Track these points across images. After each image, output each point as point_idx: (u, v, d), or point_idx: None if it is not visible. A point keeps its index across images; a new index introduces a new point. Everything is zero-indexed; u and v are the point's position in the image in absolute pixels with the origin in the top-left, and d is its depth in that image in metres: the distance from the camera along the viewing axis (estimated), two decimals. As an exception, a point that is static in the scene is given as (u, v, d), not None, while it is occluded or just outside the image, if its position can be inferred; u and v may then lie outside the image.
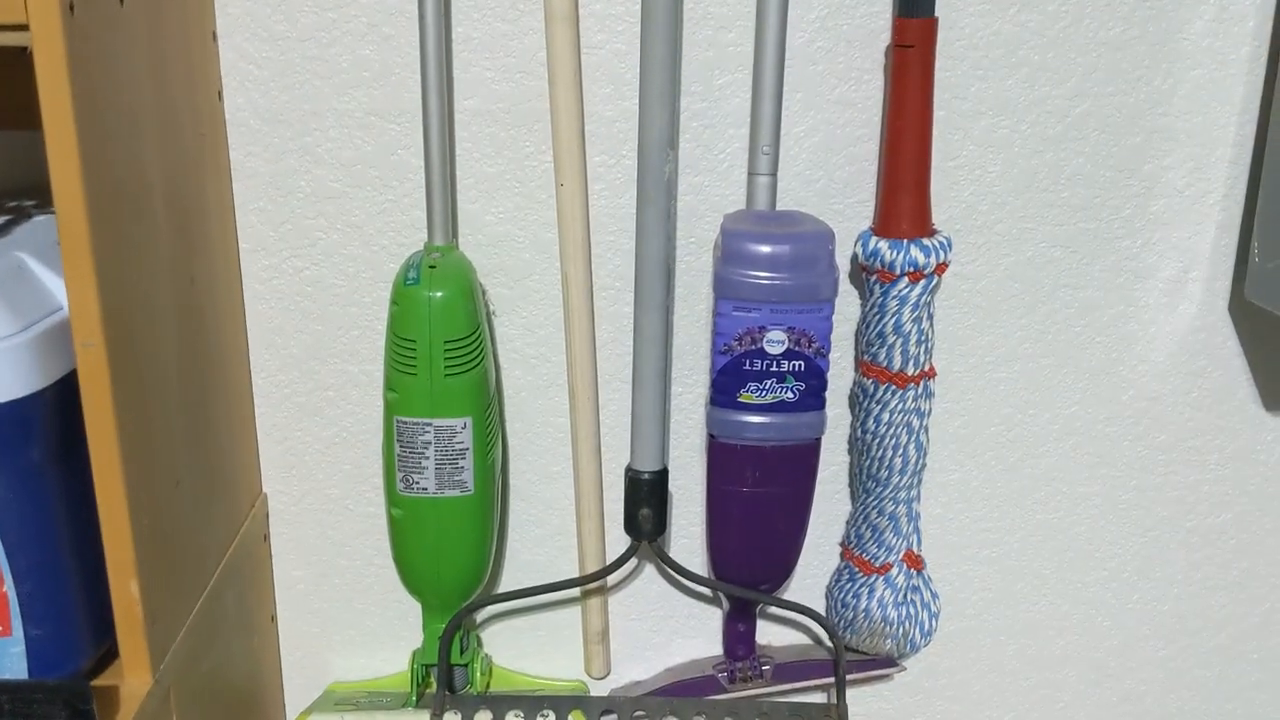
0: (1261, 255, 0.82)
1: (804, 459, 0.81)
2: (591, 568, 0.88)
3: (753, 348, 0.77)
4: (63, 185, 0.57)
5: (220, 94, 0.80)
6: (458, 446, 0.78)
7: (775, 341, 0.77)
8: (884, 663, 0.91)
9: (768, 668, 0.90)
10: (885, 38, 0.80)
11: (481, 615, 0.92)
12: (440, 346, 0.76)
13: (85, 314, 0.59)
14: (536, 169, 0.82)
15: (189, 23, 0.74)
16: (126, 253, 0.63)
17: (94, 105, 0.59)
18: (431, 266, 0.77)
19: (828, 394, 0.81)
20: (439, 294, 0.75)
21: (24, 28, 0.55)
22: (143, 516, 0.65)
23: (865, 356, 0.83)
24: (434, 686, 0.85)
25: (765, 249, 0.76)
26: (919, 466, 0.84)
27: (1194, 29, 0.82)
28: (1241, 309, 0.88)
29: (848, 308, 0.86)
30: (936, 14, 0.77)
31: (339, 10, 0.79)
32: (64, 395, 0.62)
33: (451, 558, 0.81)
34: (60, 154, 0.57)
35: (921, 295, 0.80)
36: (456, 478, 0.78)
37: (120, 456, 0.61)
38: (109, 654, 0.68)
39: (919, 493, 0.86)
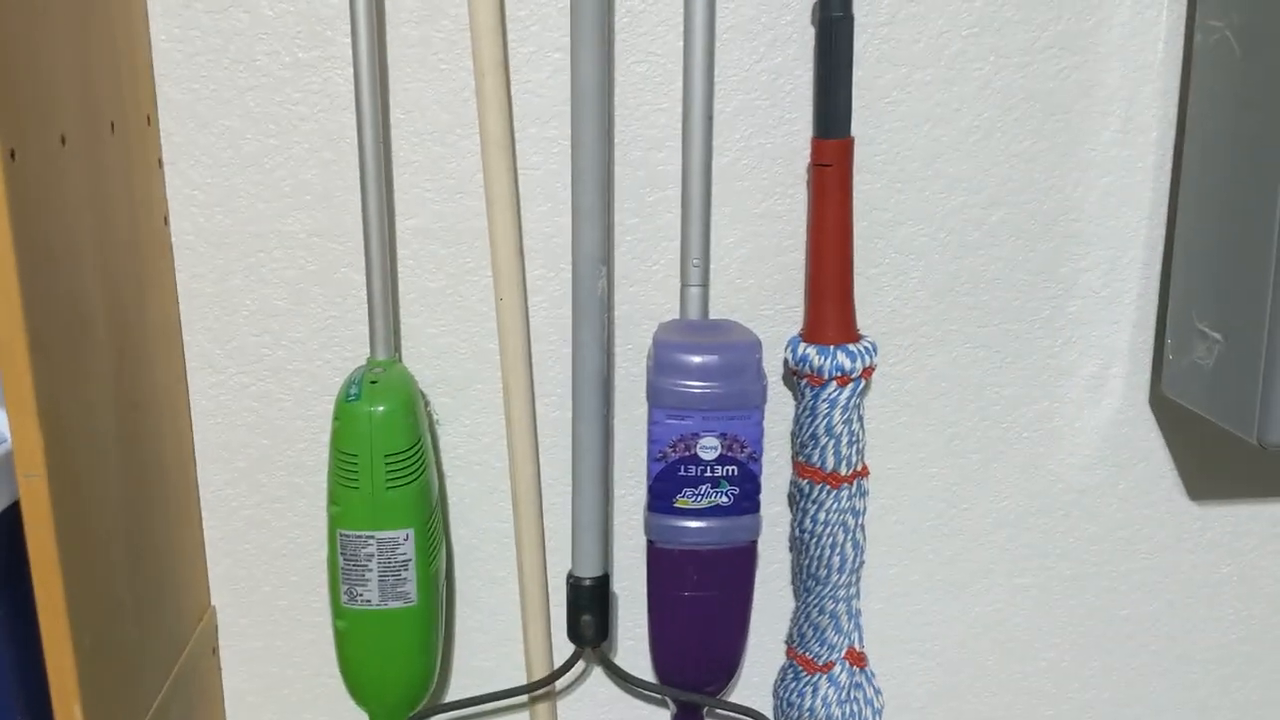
0: (1174, 353, 0.85)
1: (741, 562, 0.83)
2: (538, 674, 0.89)
3: (686, 454, 0.80)
4: (4, 323, 0.59)
5: (166, 219, 0.83)
6: (400, 558, 0.79)
7: (708, 448, 0.80)
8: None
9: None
10: (806, 154, 0.84)
11: (431, 722, 0.93)
12: (381, 460, 0.77)
13: (28, 446, 0.60)
14: (477, 283, 0.85)
15: (133, 153, 0.77)
16: (69, 383, 0.65)
17: (35, 244, 0.61)
18: (373, 382, 0.79)
19: (768, 493, 0.83)
20: (379, 409, 0.77)
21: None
22: (85, 640, 0.66)
23: (800, 457, 0.85)
24: (382, 797, 0.86)
25: (695, 359, 0.78)
26: (857, 564, 0.86)
27: (1101, 140, 0.86)
28: (1161, 403, 0.91)
29: (784, 408, 0.88)
30: (854, 132, 0.81)
31: (281, 137, 0.82)
32: (6, 524, 0.64)
33: (396, 669, 0.82)
34: (1, 293, 0.59)
35: (850, 398, 0.82)
36: (399, 589, 0.80)
37: (63, 584, 0.63)
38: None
39: (858, 590, 0.87)
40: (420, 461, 0.79)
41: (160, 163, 0.82)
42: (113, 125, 0.73)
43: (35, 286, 0.61)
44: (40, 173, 0.62)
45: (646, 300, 0.86)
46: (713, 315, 0.86)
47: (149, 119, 0.80)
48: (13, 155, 0.59)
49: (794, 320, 0.87)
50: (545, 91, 0.82)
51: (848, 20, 0.78)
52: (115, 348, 0.73)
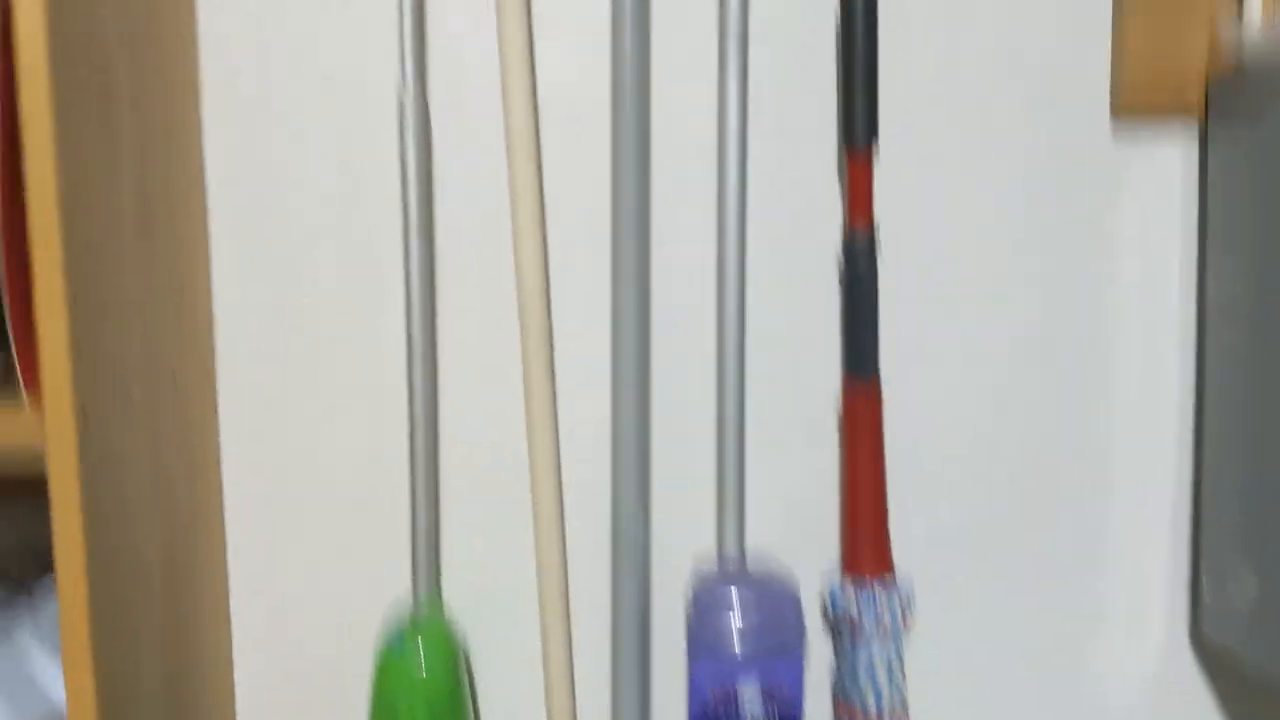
0: (1211, 595, 0.85)
1: (785, 814, 0.82)
2: None
3: (728, 704, 0.79)
4: (67, 585, 0.61)
5: (218, 464, 0.85)
6: (439, 812, 0.78)
7: (750, 697, 0.79)
8: None
9: None
10: (837, 393, 0.87)
11: None
12: (423, 713, 0.77)
13: (82, 709, 0.61)
14: (518, 528, 0.87)
15: (190, 401, 0.80)
16: (123, 642, 0.66)
17: (100, 499, 0.63)
18: (414, 631, 0.79)
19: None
20: (421, 660, 0.78)
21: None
22: None
23: (841, 698, 0.84)
24: None
25: (735, 609, 0.79)
26: (900, 814, 0.84)
27: (1126, 380, 0.88)
28: (1202, 643, 0.91)
29: (824, 647, 0.88)
30: (882, 370, 0.83)
31: (333, 398, 0.85)
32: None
33: None
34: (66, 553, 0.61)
35: (891, 646, 0.82)
36: (438, 846, 0.78)
37: None
38: None
39: (902, 840, 0.85)
40: (462, 714, 0.79)
41: (215, 410, 0.85)
42: (174, 376, 0.77)
43: (98, 541, 0.63)
44: (108, 429, 0.65)
45: (685, 539, 0.88)
46: (749, 551, 0.87)
47: (208, 372, 0.84)
48: (84, 413, 0.62)
49: (830, 555, 0.88)
50: (587, 348, 0.86)
51: (872, 263, 0.82)
52: (167, 601, 0.74)
